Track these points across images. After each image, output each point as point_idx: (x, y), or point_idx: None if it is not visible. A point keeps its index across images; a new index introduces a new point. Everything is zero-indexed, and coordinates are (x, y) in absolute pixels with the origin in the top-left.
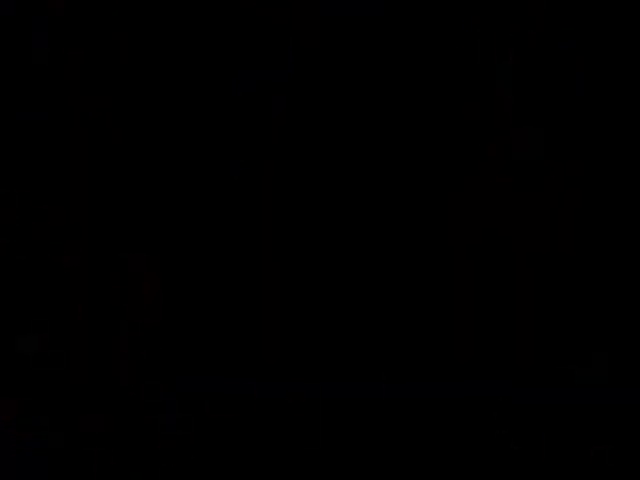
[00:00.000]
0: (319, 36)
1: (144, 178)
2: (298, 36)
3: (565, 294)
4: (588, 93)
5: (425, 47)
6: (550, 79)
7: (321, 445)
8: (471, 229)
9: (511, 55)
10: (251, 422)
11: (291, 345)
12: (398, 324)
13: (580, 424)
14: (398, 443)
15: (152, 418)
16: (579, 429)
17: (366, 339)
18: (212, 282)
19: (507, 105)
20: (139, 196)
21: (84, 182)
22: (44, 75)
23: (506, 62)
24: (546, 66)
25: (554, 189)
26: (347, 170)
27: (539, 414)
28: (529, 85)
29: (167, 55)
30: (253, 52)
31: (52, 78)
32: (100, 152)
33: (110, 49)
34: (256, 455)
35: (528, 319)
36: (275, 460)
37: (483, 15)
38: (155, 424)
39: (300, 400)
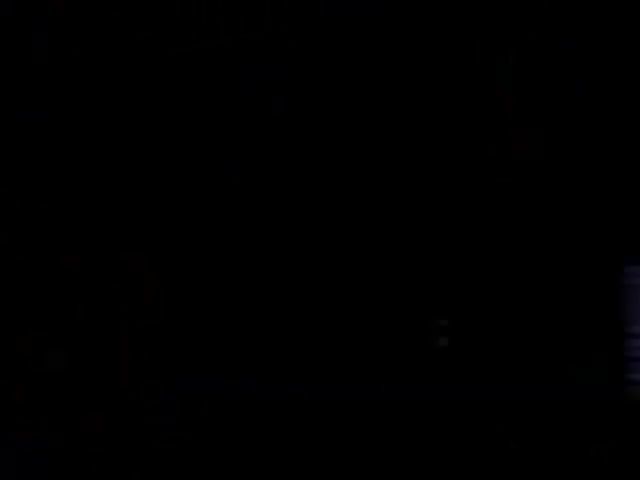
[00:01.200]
0: (319, 36)
1: (144, 178)
2: (298, 36)
3: (565, 294)
4: (588, 93)
5: (425, 47)
6: (550, 79)
7: (321, 445)
8: (471, 229)
9: (511, 55)
10: (251, 422)
11: (291, 345)
12: (398, 324)
13: (580, 424)
14: (398, 443)
15: (152, 418)
16: (579, 429)
17: (366, 339)
18: (212, 282)
19: (507, 105)
20: (139, 196)
21: (84, 182)
22: (44, 75)
23: (506, 62)
24: (546, 66)
25: (554, 189)
26: (347, 170)
27: (539, 414)
28: (529, 85)
29: (167, 55)
30: (253, 52)
31: (52, 78)
32: (100, 152)
33: (110, 49)
34: (256, 455)
35: (528, 319)
36: (275, 460)
37: (483, 15)
38: (155, 424)
39: (300, 400)
